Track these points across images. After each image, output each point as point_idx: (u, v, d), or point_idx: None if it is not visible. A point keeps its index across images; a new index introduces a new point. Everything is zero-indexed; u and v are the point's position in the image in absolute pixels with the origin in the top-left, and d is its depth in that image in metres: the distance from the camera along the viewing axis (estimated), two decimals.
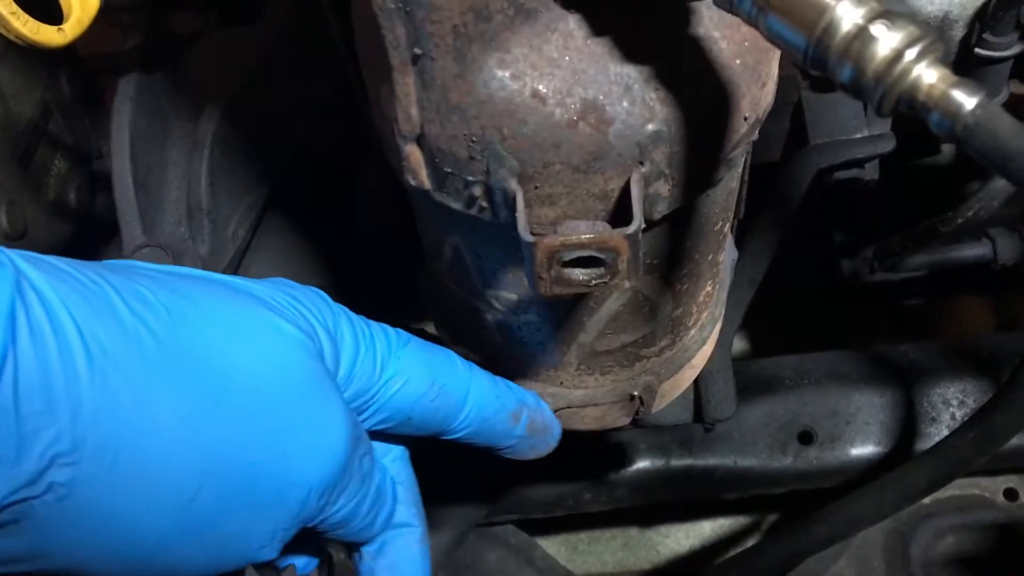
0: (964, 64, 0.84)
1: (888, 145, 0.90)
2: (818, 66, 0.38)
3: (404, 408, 0.59)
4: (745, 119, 0.51)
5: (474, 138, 0.49)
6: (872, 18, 0.37)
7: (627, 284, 0.49)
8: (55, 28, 0.65)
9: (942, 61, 0.36)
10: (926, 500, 1.34)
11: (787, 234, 0.92)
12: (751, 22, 0.40)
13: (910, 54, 0.36)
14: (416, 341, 0.61)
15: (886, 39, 0.36)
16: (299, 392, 0.51)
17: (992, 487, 1.37)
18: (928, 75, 0.36)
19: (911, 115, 0.37)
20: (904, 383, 1.27)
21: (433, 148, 0.51)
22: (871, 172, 0.97)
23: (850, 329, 1.58)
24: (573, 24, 0.47)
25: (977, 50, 0.82)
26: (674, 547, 1.59)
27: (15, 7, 0.62)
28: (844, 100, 0.92)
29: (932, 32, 0.36)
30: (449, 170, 0.51)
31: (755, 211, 0.90)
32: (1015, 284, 1.28)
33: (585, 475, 1.23)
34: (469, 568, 1.31)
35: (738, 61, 0.49)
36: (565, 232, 0.48)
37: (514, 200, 0.49)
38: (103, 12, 0.68)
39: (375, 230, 0.99)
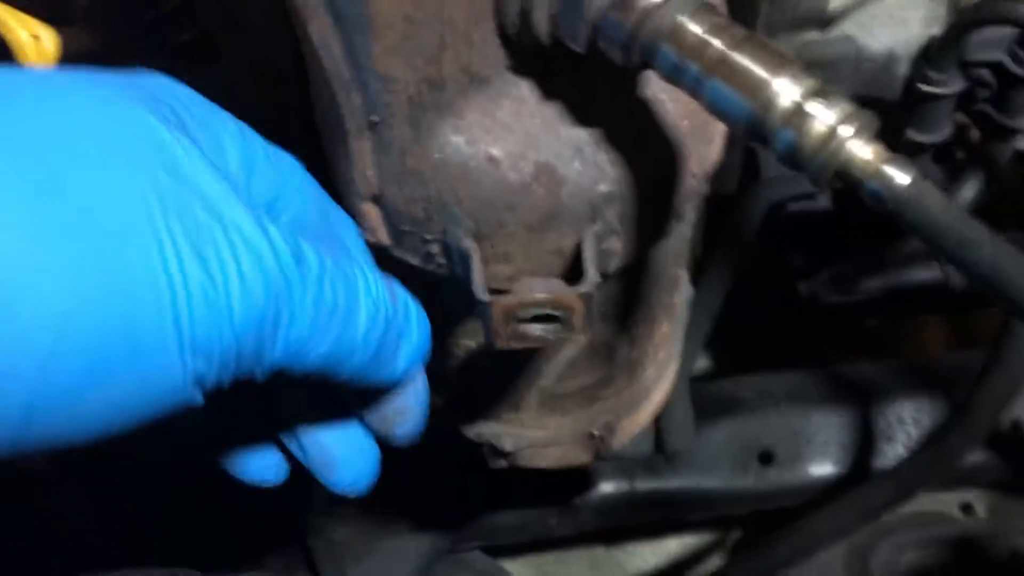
0: (910, 100, 0.86)
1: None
2: (757, 138, 0.40)
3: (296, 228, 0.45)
4: (693, 176, 0.53)
5: (431, 200, 0.50)
6: (809, 95, 0.38)
7: (582, 338, 0.51)
8: None
9: (876, 137, 0.38)
10: (886, 516, 1.38)
11: (743, 266, 0.94)
12: (693, 94, 0.42)
13: (845, 131, 0.38)
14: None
15: (822, 116, 0.38)
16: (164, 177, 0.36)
17: (950, 502, 1.40)
18: (863, 151, 0.38)
19: (848, 189, 0.38)
20: (861, 403, 1.30)
21: (390, 208, 0.52)
22: (823, 201, 0.99)
23: (811, 350, 1.61)
24: (525, 90, 0.49)
25: (920, 86, 0.85)
26: (640, 565, 1.60)
27: None
28: None
29: (866, 112, 0.38)
30: (407, 228, 0.52)
31: (710, 246, 0.92)
32: (969, 305, 1.31)
33: (550, 500, 1.24)
34: None
35: (685, 122, 0.51)
36: (521, 291, 0.49)
37: (469, 259, 0.50)
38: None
39: None
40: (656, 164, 0.51)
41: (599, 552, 1.60)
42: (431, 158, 0.48)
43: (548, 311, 0.49)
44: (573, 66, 0.48)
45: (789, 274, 1.34)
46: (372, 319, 0.43)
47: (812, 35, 0.89)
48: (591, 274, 0.49)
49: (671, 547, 1.59)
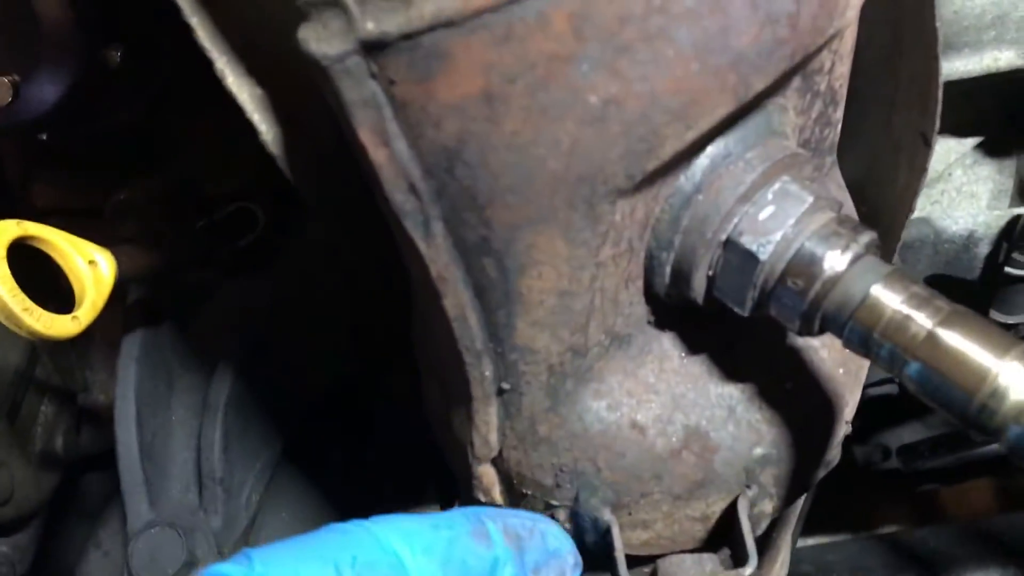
0: (994, 281, 0.83)
1: None
2: (977, 427, 0.35)
3: None
4: (847, 423, 0.48)
5: (563, 468, 0.44)
6: None
7: None
8: (69, 317, 0.60)
9: None
10: None
11: None
12: (889, 370, 0.37)
13: None
14: None
15: None
16: None
17: None
18: None
19: None
20: (928, 574, 1.23)
21: (512, 472, 0.46)
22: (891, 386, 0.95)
23: (857, 509, 1.54)
24: (668, 344, 0.44)
25: (1007, 269, 0.81)
26: None
27: (28, 302, 0.57)
28: None
29: None
30: (528, 492, 0.47)
31: None
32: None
33: None
34: None
35: (841, 370, 0.46)
36: (671, 573, 0.43)
37: (607, 530, 0.44)
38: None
39: (392, 446, 0.93)
40: (813, 419, 0.46)
41: None
42: (567, 426, 0.43)
43: None
44: (720, 318, 0.43)
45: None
46: None
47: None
48: (753, 552, 0.43)
49: None
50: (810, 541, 1.32)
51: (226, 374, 0.76)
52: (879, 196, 0.50)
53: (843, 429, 0.48)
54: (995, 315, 0.85)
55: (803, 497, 0.58)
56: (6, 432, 0.86)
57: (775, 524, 0.56)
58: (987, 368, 0.34)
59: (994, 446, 1.13)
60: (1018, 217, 0.83)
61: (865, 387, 0.95)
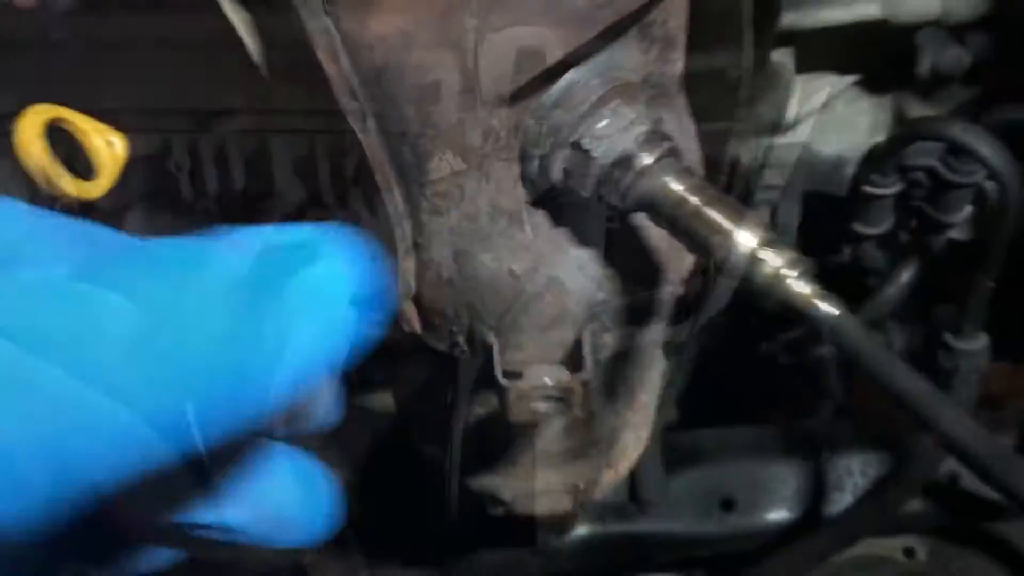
0: (855, 198, 1.00)
1: None
2: (723, 273, 0.52)
3: None
4: (671, 283, 0.65)
5: (461, 303, 0.62)
6: (762, 245, 0.51)
7: (580, 414, 0.63)
8: (91, 183, 0.76)
9: (813, 278, 0.50)
10: (837, 558, 1.49)
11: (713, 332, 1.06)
12: (673, 235, 0.54)
13: (789, 272, 0.50)
14: None
15: (772, 260, 0.50)
16: None
17: (894, 547, 1.52)
18: (802, 288, 0.50)
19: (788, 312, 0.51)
20: (814, 455, 1.41)
21: (426, 307, 0.63)
22: None
23: (765, 404, 1.73)
24: (540, 218, 0.61)
25: (864, 188, 0.98)
26: None
27: (61, 169, 0.73)
28: None
29: (805, 259, 0.50)
30: (437, 322, 0.64)
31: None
32: None
33: (530, 542, 1.33)
34: None
35: (664, 244, 0.63)
36: (532, 378, 0.61)
37: (491, 349, 0.62)
38: None
39: None
40: (642, 276, 0.63)
41: None
42: (463, 273, 0.60)
43: (554, 393, 0.61)
44: (578, 202, 0.60)
45: (750, 335, 1.47)
46: None
47: (776, 140, 1.02)
48: (588, 365, 0.60)
49: None
50: None
51: None
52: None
53: (670, 287, 0.65)
54: (857, 226, 1.02)
55: (654, 345, 0.76)
56: None
57: (627, 363, 0.73)
58: (729, 232, 0.51)
59: None
60: (879, 144, 0.99)
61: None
